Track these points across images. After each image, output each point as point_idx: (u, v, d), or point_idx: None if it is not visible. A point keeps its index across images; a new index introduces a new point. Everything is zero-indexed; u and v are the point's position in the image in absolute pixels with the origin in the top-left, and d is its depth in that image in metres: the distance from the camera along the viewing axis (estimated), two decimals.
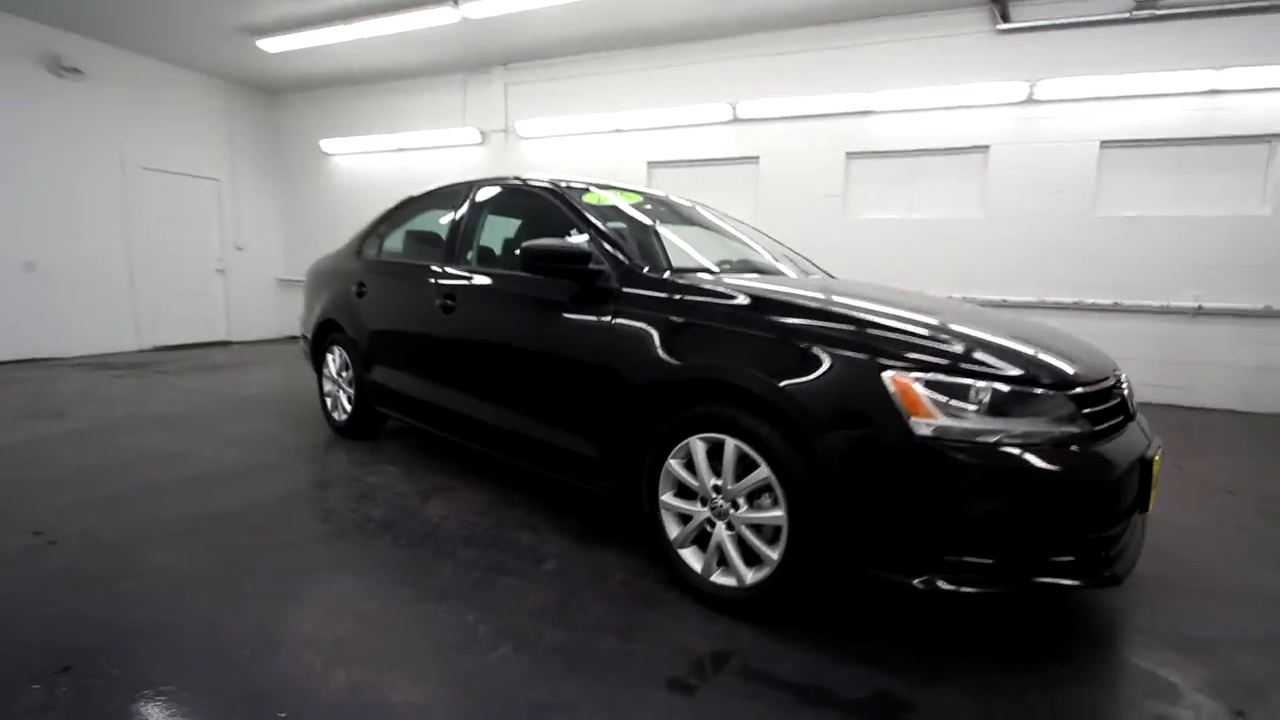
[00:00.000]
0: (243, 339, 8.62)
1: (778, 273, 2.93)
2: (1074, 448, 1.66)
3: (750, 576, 1.91)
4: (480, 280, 2.90)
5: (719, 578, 1.99)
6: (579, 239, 2.51)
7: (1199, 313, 5.39)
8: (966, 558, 1.62)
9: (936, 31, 5.93)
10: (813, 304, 1.97)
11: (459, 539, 2.47)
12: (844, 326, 1.82)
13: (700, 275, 2.36)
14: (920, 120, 6.07)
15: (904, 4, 5.82)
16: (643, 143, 7.08)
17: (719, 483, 1.96)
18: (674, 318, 2.09)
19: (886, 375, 1.67)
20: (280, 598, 1.99)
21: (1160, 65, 5.28)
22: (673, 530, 2.10)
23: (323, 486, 3.02)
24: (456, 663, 1.69)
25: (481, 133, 7.76)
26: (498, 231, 3.16)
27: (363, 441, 3.78)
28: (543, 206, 2.85)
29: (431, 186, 3.70)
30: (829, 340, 1.79)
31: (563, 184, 2.87)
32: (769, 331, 1.89)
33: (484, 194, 3.17)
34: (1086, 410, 1.73)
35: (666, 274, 2.29)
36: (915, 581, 1.63)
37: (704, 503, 2.01)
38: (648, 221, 3.04)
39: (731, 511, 1.94)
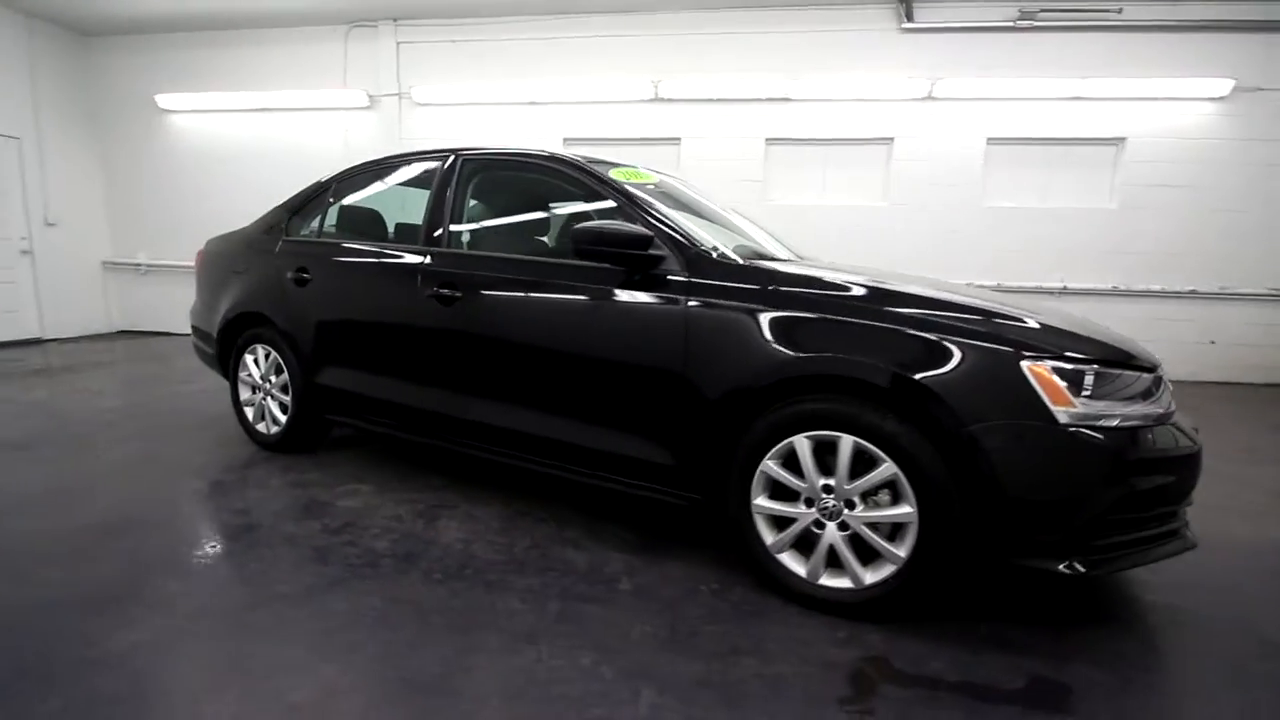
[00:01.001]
0: (60, 335, 7.01)
1: (798, 259, 2.88)
2: (1170, 424, 1.79)
3: (869, 577, 1.84)
4: (492, 267, 2.53)
5: (828, 580, 1.90)
6: (625, 223, 2.23)
7: (1063, 292, 6.22)
8: (1103, 539, 1.68)
9: (848, 25, 6.20)
10: (926, 294, 1.92)
11: (502, 566, 2.15)
12: (969, 317, 1.80)
13: (770, 263, 2.22)
14: (834, 110, 6.34)
15: None
16: (559, 117, 6.71)
17: (829, 482, 1.87)
18: (774, 310, 1.94)
19: (1025, 365, 1.68)
20: (341, 686, 1.58)
21: (1036, 72, 5.96)
22: (768, 535, 1.97)
23: (290, 518, 2.49)
24: None
25: (370, 96, 6.90)
26: (497, 211, 2.78)
27: (301, 456, 3.20)
28: (561, 183, 2.56)
29: (383, 155, 3.19)
30: (956, 331, 1.76)
31: (581, 158, 2.58)
32: (891, 323, 1.81)
33: (472, 167, 2.77)
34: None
35: (744, 262, 2.13)
36: (1060, 566, 1.66)
37: (809, 504, 1.91)
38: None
39: (846, 511, 1.86)
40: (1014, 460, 1.66)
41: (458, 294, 2.51)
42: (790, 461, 1.92)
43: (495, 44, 6.69)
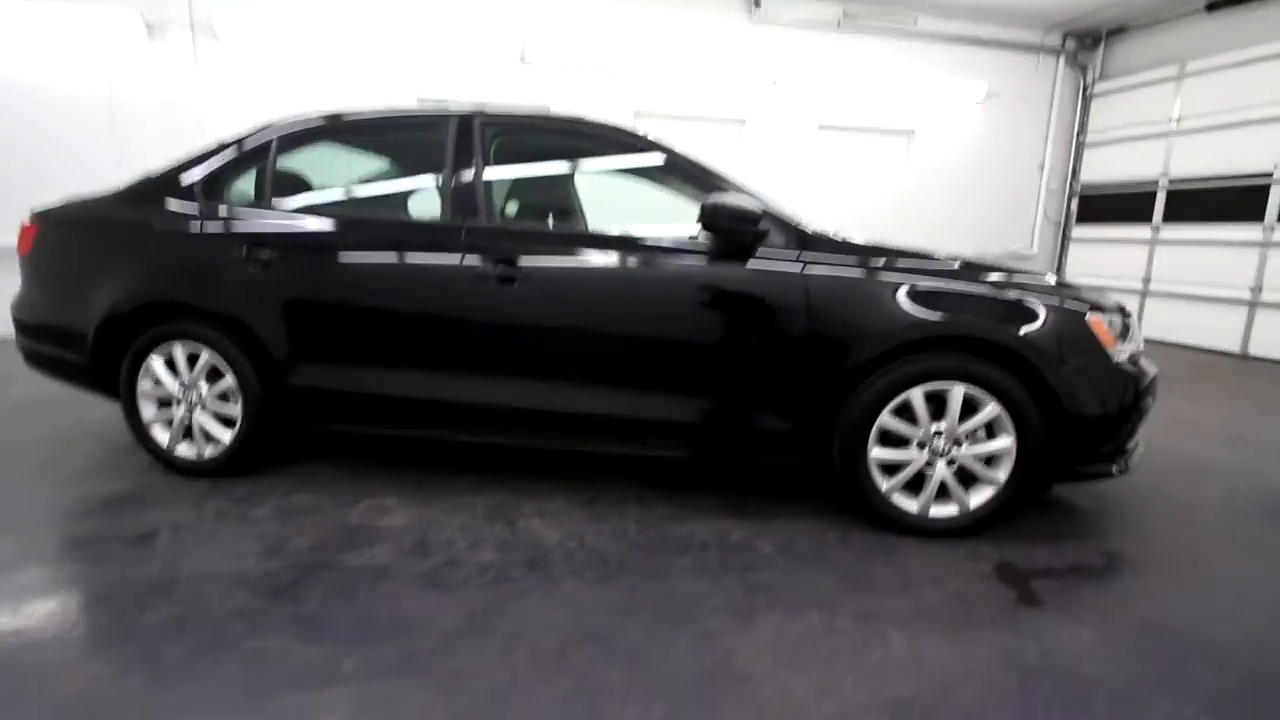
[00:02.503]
0: None
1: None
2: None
3: (973, 502, 2.20)
4: (568, 244, 2.34)
5: (936, 511, 2.22)
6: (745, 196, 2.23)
7: None
8: (1130, 447, 2.23)
9: (705, 10, 6.54)
10: (1002, 266, 2.27)
11: (640, 554, 2.06)
12: (1040, 284, 2.20)
13: (862, 239, 2.39)
14: (695, 90, 6.67)
15: None
16: (414, 73, 6.00)
17: (939, 427, 2.16)
18: (897, 280, 2.15)
19: (1089, 318, 2.13)
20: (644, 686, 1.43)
21: (855, 68, 6.96)
22: (882, 482, 2.21)
23: (342, 550, 2.04)
24: (896, 672, 1.57)
25: (148, 23, 5.39)
26: (537, 182, 2.51)
27: (240, 481, 2.55)
28: (616, 152, 2.44)
29: (359, 112, 2.64)
30: (1037, 295, 2.15)
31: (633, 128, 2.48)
32: (994, 289, 2.14)
33: (496, 131, 2.47)
34: None
35: (844, 238, 2.28)
36: (1114, 469, 2.18)
37: (921, 446, 2.19)
38: None
39: (955, 450, 2.17)
40: (1086, 391, 2.11)
41: (522, 277, 2.25)
42: (901, 413, 2.17)
43: None
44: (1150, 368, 2.29)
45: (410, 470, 2.70)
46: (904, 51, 7.05)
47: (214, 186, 2.56)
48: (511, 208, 2.68)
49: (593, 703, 1.41)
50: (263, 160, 2.57)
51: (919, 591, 1.90)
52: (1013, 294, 2.15)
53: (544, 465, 2.77)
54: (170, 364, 2.52)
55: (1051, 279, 2.31)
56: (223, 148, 2.59)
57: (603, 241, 2.35)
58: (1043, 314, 2.12)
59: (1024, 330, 2.09)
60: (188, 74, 5.55)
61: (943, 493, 2.21)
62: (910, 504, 2.23)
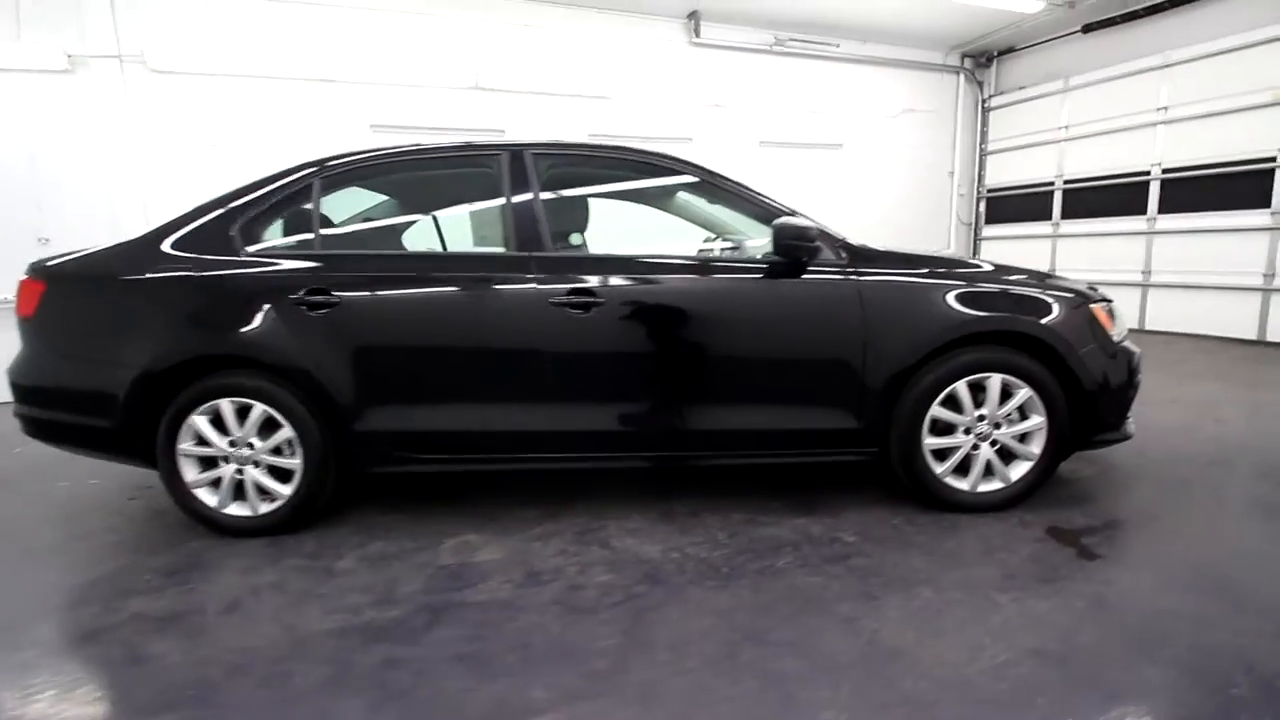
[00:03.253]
0: None
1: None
2: None
3: (1014, 474, 2.49)
4: (639, 269, 2.44)
5: (983, 487, 2.49)
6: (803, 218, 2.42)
7: None
8: (1129, 415, 2.60)
9: (650, 34, 6.81)
10: (1017, 265, 2.59)
11: (746, 559, 2.18)
12: (1054, 280, 2.53)
13: (905, 249, 2.62)
14: (644, 111, 6.90)
15: (631, 3, 6.46)
16: (363, 99, 5.86)
17: (982, 413, 2.44)
18: (943, 284, 2.41)
19: (1092, 307, 2.48)
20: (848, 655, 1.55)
21: (788, 88, 7.44)
22: (936, 467, 2.46)
23: (452, 586, 2.03)
24: (1019, 628, 1.78)
25: (69, 56, 4.97)
26: (584, 210, 2.60)
27: (302, 535, 2.46)
28: (668, 180, 2.60)
29: (403, 148, 2.66)
30: (1051, 290, 2.48)
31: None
32: (1020, 287, 2.45)
33: (550, 162, 2.55)
34: None
35: (883, 249, 2.52)
36: (1124, 434, 2.53)
37: (967, 432, 2.46)
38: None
39: (995, 432, 2.46)
40: (1098, 370, 2.45)
41: (598, 301, 2.34)
42: (947, 403, 2.43)
43: (272, 4, 5.47)
44: (1135, 347, 2.68)
45: (471, 506, 2.69)
46: (830, 72, 7.62)
47: (255, 230, 2.48)
48: (573, 236, 2.75)
49: (786, 691, 1.53)
50: (305, 201, 2.51)
51: (998, 558, 2.15)
52: (1035, 291, 2.47)
53: (598, 486, 2.84)
54: (215, 421, 2.40)
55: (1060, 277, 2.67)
56: (259, 189, 2.51)
57: (668, 264, 2.48)
58: (1059, 307, 2.45)
59: (1048, 322, 2.41)
60: (116, 104, 5.15)
61: (985, 471, 2.49)
62: (961, 484, 2.49)
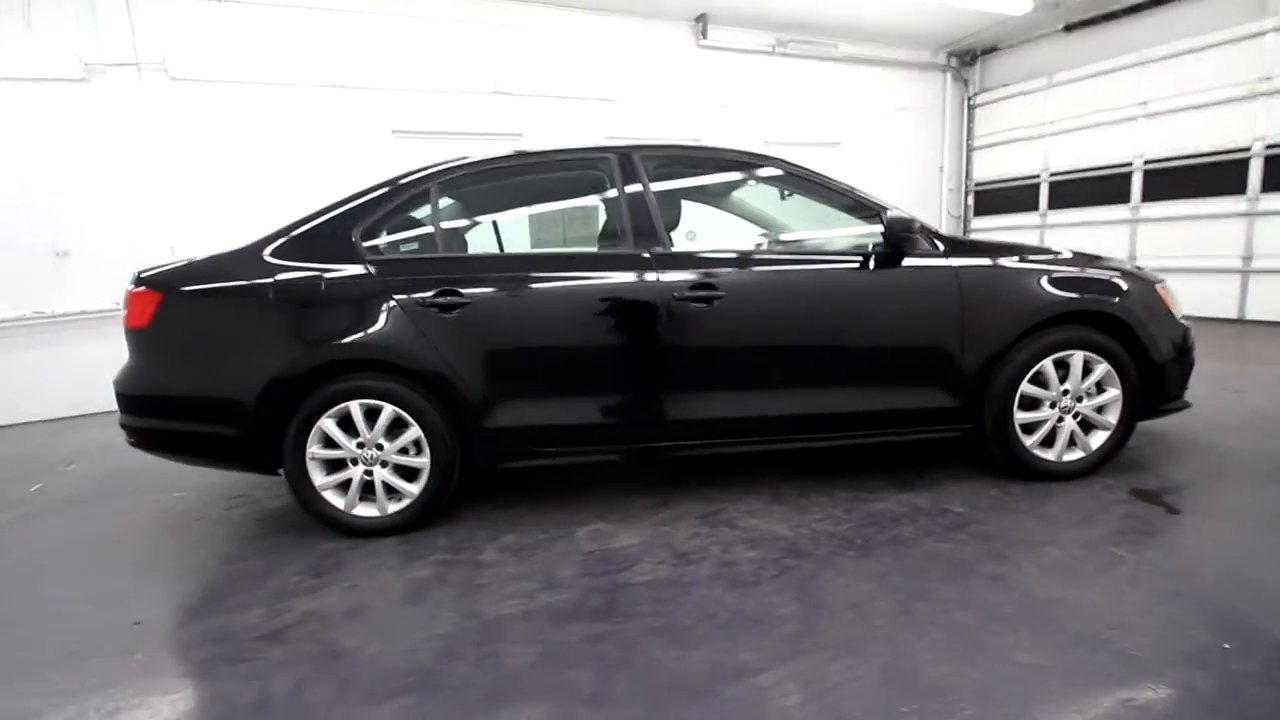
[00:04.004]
0: None
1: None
2: None
3: (1094, 443, 2.70)
4: (762, 266, 2.61)
5: (1067, 457, 2.70)
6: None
7: None
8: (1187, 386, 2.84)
9: (659, 37, 6.94)
10: (1089, 252, 2.81)
11: (874, 533, 2.33)
12: (1123, 266, 2.75)
13: (983, 238, 2.82)
14: (652, 114, 7.02)
15: (643, 6, 6.59)
16: (383, 105, 5.83)
17: (1066, 388, 2.64)
18: (1029, 268, 2.62)
19: (1157, 288, 2.72)
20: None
21: (790, 89, 7.66)
22: (1026, 439, 2.66)
23: (610, 569, 2.13)
24: (1146, 575, 1.97)
25: (85, 64, 4.85)
26: (700, 209, 2.72)
27: (429, 532, 2.53)
28: (792, 183, 2.81)
29: (515, 153, 2.77)
30: (1123, 275, 2.70)
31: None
32: (1099, 271, 2.66)
33: (656, 163, 2.67)
34: None
35: (967, 238, 2.70)
36: (1185, 403, 2.77)
37: (1052, 406, 2.66)
38: None
39: (1077, 405, 2.66)
40: (1165, 345, 2.68)
41: (719, 294, 2.46)
42: (1035, 380, 2.63)
43: (289, 9, 5.41)
44: (1187, 323, 2.93)
45: (581, 497, 2.79)
46: (828, 73, 7.87)
47: (376, 235, 2.53)
48: (687, 233, 2.86)
49: (975, 639, 1.68)
50: (424, 205, 2.58)
51: (1100, 519, 2.35)
52: (1111, 275, 2.69)
53: (698, 473, 2.97)
54: (342, 423, 2.44)
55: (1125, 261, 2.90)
56: (377, 195, 2.56)
57: (780, 258, 2.64)
58: (1132, 288, 2.68)
59: (1125, 302, 2.63)
60: (132, 113, 5.03)
61: (1068, 441, 2.70)
62: (1049, 454, 2.69)
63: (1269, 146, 6.05)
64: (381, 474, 2.48)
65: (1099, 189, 7.44)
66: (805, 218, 3.02)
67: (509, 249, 2.81)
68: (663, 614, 1.88)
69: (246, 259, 2.49)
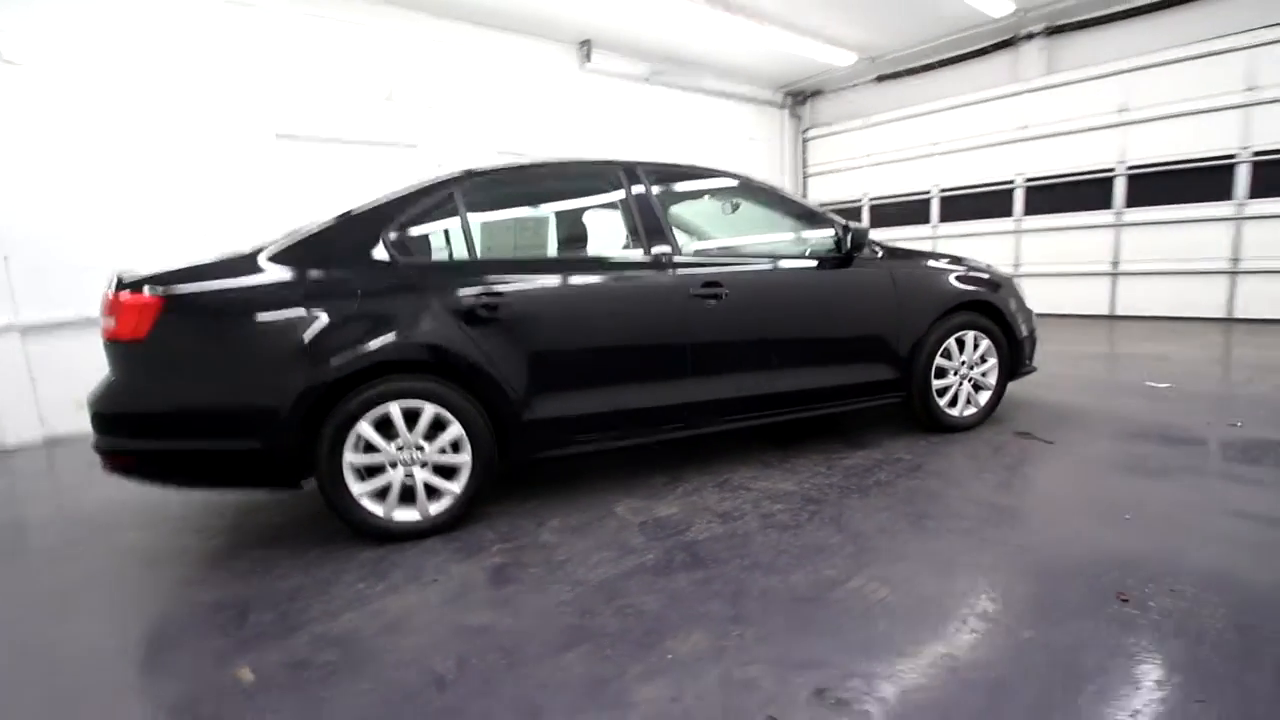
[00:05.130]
0: None
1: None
2: None
3: (983, 400, 3.52)
4: (754, 266, 3.05)
5: (962, 412, 3.48)
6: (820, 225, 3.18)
7: None
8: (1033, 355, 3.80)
9: (551, 58, 7.21)
10: (965, 255, 3.64)
11: (852, 478, 2.88)
12: (985, 263, 3.63)
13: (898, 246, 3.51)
14: (546, 129, 7.26)
15: (533, 28, 6.81)
16: (267, 106, 5.41)
17: (965, 359, 3.44)
18: (942, 268, 3.36)
19: (1014, 280, 3.64)
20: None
21: (663, 115, 8.34)
22: (941, 401, 3.41)
23: (667, 534, 2.40)
24: (1062, 479, 2.72)
25: None
26: (686, 220, 3.06)
27: (471, 528, 2.61)
28: (759, 197, 3.27)
29: (534, 162, 2.97)
30: (988, 272, 3.57)
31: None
32: (979, 271, 3.49)
33: (657, 179, 3.00)
34: None
35: (894, 245, 3.39)
36: (1033, 368, 3.72)
37: (955, 373, 3.44)
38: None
39: (971, 372, 3.47)
40: (1023, 325, 3.59)
41: (724, 291, 2.86)
42: (944, 355, 3.39)
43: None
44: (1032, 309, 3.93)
45: (594, 483, 3.00)
46: (694, 103, 8.70)
47: (408, 238, 2.56)
48: (683, 237, 3.18)
49: (981, 537, 2.25)
50: (450, 209, 2.65)
51: (1008, 451, 3.13)
52: (988, 273, 3.55)
53: (685, 453, 3.33)
54: (378, 427, 2.43)
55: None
56: (406, 199, 2.60)
57: (770, 259, 3.12)
58: (1002, 283, 3.56)
59: (1001, 293, 3.50)
60: None
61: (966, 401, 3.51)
62: (954, 411, 3.47)
63: (1028, 179, 7.95)
64: (422, 475, 2.50)
65: (909, 211, 9.12)
66: (764, 225, 3.54)
67: (548, 251, 2.99)
68: (745, 556, 2.22)
69: (254, 261, 2.39)
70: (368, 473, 2.44)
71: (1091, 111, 7.34)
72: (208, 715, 1.59)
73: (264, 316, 2.33)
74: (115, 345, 2.28)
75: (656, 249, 2.85)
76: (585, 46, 7.37)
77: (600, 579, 2.13)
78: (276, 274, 2.37)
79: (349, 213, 2.55)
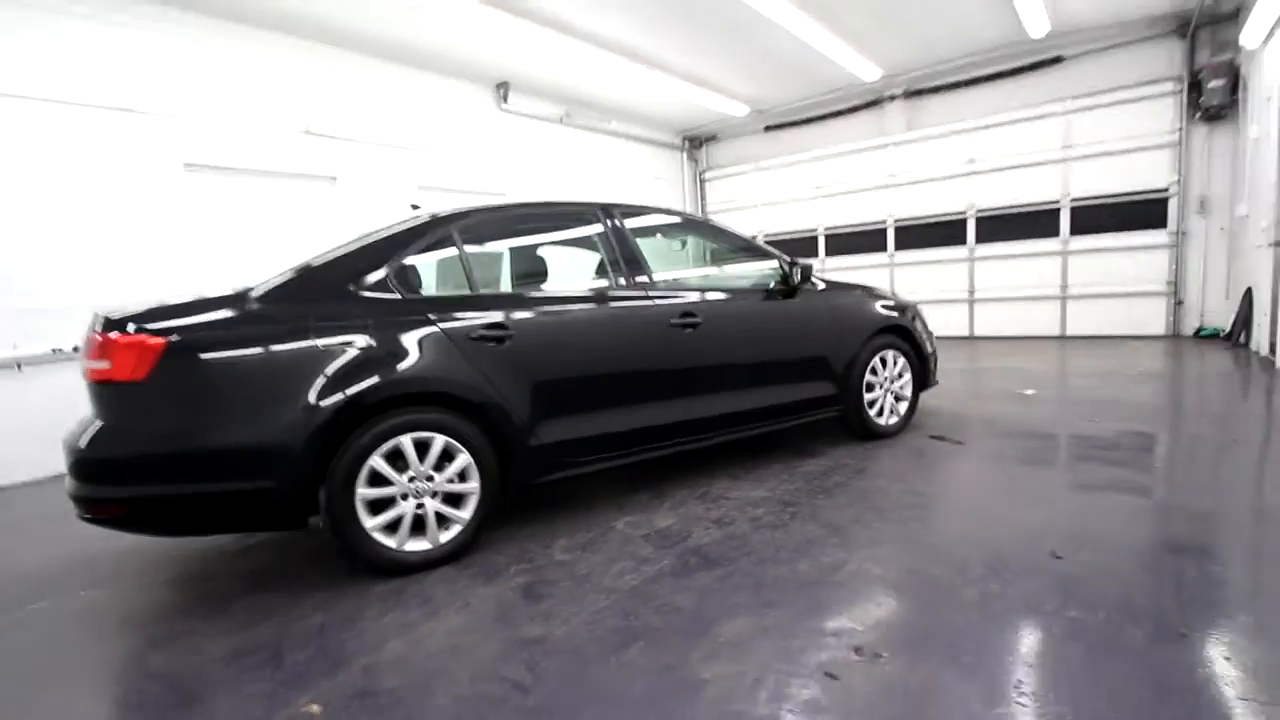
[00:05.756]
0: None
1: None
2: None
3: (902, 409, 4.08)
4: (719, 296, 3.39)
5: (889, 421, 4.02)
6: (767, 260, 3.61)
7: None
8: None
9: (469, 97, 7.33)
10: (879, 286, 4.20)
11: (812, 483, 3.25)
12: (887, 290, 4.22)
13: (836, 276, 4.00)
14: (465, 166, 7.34)
15: (452, 67, 6.92)
16: (175, 134, 5.09)
17: (885, 374, 3.98)
18: (869, 298, 3.89)
19: (919, 307, 4.27)
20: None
21: (576, 155, 8.69)
22: (870, 410, 3.92)
23: (675, 541, 2.62)
24: (979, 472, 3.25)
25: None
26: (652, 254, 3.33)
27: (477, 555, 2.68)
28: (698, 235, 3.58)
29: (520, 203, 3.09)
30: (897, 299, 4.18)
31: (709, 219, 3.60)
32: (893, 299, 4.07)
33: (625, 219, 3.26)
34: None
35: (833, 279, 3.88)
36: (937, 381, 4.36)
37: (881, 386, 3.97)
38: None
39: (892, 385, 4.02)
40: (927, 344, 4.22)
41: (698, 320, 3.16)
42: (872, 370, 3.92)
43: (56, 13, 4.45)
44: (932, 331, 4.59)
45: (582, 505, 3.17)
46: (604, 144, 9.13)
47: (409, 272, 2.63)
48: (657, 273, 3.43)
49: (923, 517, 2.69)
50: (449, 245, 2.76)
51: (927, 451, 3.66)
52: (900, 299, 4.15)
53: (658, 472, 3.57)
54: (395, 458, 2.47)
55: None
56: (401, 234, 2.69)
57: (730, 291, 3.47)
58: (911, 309, 4.17)
59: (912, 317, 4.11)
60: None
61: (890, 411, 4.06)
62: (881, 420, 3.99)
63: (897, 220, 9.10)
64: (432, 505, 2.55)
65: (800, 248, 10.06)
66: (721, 260, 3.92)
67: (538, 286, 3.13)
68: (749, 554, 2.49)
69: (274, 297, 2.38)
70: (376, 506, 2.46)
71: (946, 163, 8.62)
72: None
73: (276, 353, 2.32)
74: (108, 388, 2.17)
75: (638, 279, 3.13)
76: (503, 88, 7.58)
77: (629, 586, 2.31)
78: (286, 310, 2.37)
79: (350, 249, 2.59)
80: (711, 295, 3.38)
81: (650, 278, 3.18)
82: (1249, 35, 5.43)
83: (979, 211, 8.48)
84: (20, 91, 4.35)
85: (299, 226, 5.92)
